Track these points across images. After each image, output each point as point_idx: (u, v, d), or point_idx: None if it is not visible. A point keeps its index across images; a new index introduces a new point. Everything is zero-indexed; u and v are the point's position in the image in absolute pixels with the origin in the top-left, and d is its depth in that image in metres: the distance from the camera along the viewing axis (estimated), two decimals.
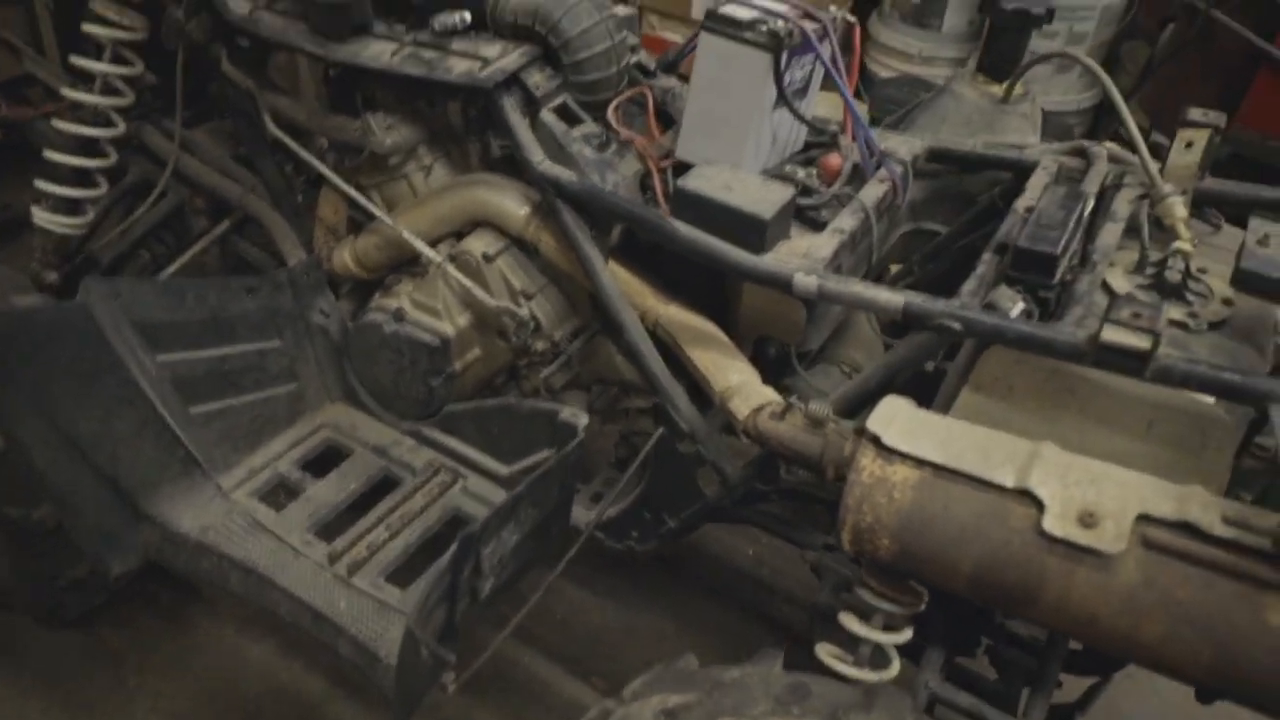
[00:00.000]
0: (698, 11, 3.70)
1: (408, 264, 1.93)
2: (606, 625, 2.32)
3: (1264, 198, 1.61)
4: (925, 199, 1.91)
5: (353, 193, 1.89)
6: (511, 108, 1.71)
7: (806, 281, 1.49)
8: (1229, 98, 2.99)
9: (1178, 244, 1.49)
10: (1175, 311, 1.43)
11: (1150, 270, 1.50)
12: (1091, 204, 1.59)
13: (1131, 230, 1.56)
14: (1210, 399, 1.30)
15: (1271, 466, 1.36)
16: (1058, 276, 1.43)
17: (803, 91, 1.75)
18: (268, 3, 1.85)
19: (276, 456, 1.91)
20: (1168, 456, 1.31)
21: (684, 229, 1.59)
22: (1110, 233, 1.55)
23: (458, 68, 1.71)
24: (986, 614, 1.54)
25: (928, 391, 1.52)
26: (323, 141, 1.91)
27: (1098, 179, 1.66)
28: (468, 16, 1.74)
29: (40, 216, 2.13)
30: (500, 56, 1.71)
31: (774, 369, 1.80)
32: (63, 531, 1.88)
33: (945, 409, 1.44)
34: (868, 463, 1.27)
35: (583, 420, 1.71)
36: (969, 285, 1.46)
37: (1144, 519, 1.13)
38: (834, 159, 1.74)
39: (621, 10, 1.84)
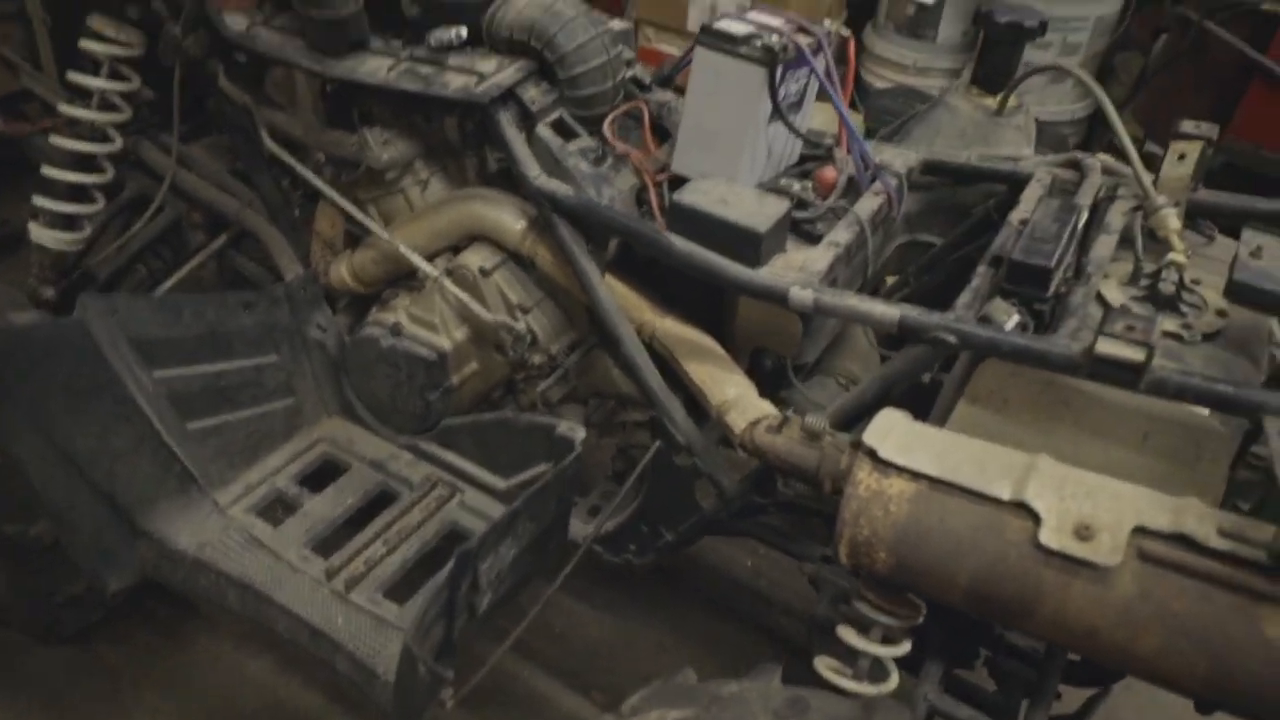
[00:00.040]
0: (693, 24, 3.72)
1: (405, 278, 1.93)
2: (605, 638, 2.32)
3: (1257, 209, 1.62)
4: (920, 211, 1.92)
5: (350, 207, 1.90)
6: (508, 122, 1.72)
7: (802, 295, 1.49)
8: (1222, 108, 3.01)
9: (1171, 256, 1.50)
10: (1169, 323, 1.44)
11: (1144, 282, 1.50)
12: (1085, 216, 1.60)
13: (1125, 242, 1.57)
14: (1205, 410, 1.31)
15: (1268, 477, 1.36)
16: (1052, 289, 1.43)
17: (798, 105, 1.76)
18: (265, 19, 1.86)
19: (274, 472, 1.91)
20: (1163, 468, 1.31)
21: (680, 243, 1.59)
22: (1104, 245, 1.55)
23: (454, 83, 1.72)
24: (985, 626, 1.54)
25: (924, 403, 1.52)
26: (320, 156, 1.91)
27: (1091, 191, 1.67)
28: (464, 32, 1.75)
29: (37, 232, 2.13)
30: (496, 72, 1.72)
31: (770, 381, 1.80)
32: (59, 548, 1.88)
33: (941, 421, 1.44)
34: (864, 476, 1.27)
35: (580, 434, 1.71)
36: (964, 298, 1.47)
37: (1140, 531, 1.13)
38: (829, 172, 1.75)
39: (617, 25, 1.86)
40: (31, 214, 2.13)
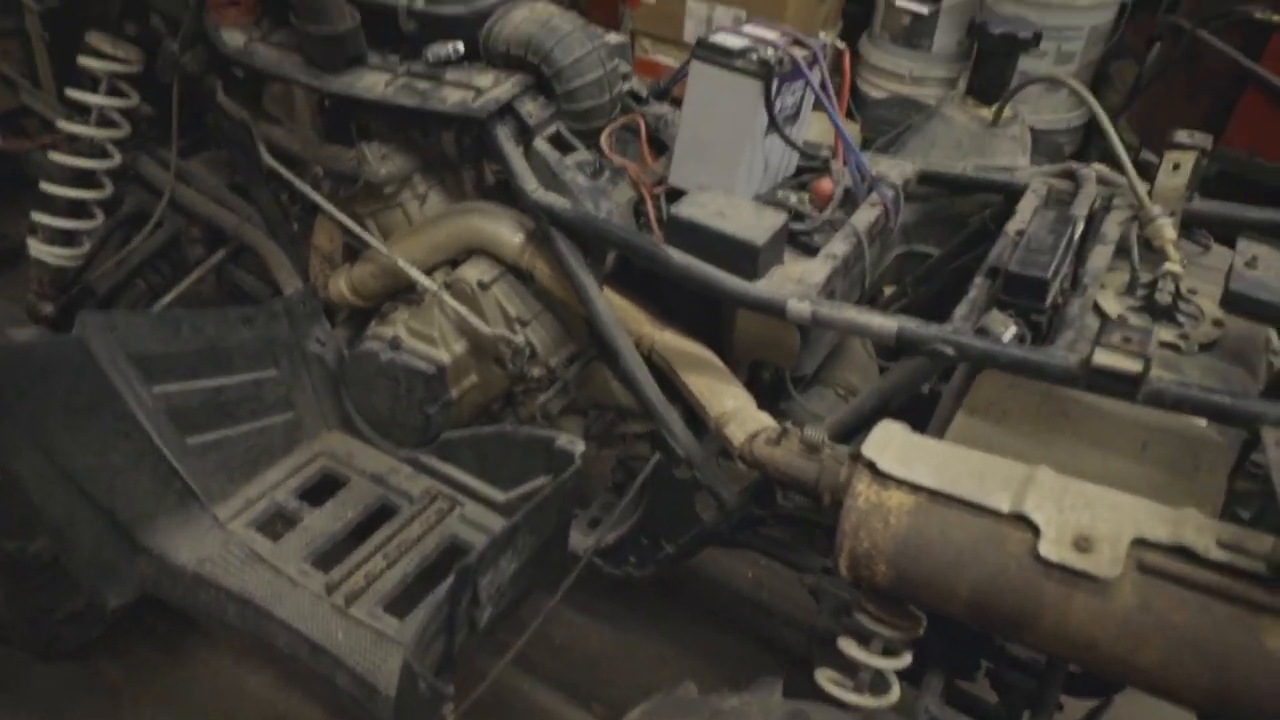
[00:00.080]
0: (689, 35, 3.73)
1: (403, 292, 1.94)
2: (605, 650, 2.31)
3: (1251, 219, 1.63)
4: (917, 222, 1.93)
5: (348, 221, 1.90)
6: (505, 137, 1.73)
7: (800, 308, 1.50)
8: (1216, 116, 3.02)
9: (1168, 266, 1.51)
10: (1166, 333, 1.44)
11: (1141, 292, 1.51)
12: (1081, 227, 1.61)
13: (1121, 252, 1.57)
14: (1203, 421, 1.31)
15: (1266, 485, 1.36)
16: (1049, 300, 1.44)
17: (794, 117, 1.77)
18: (263, 35, 1.87)
19: (273, 486, 1.91)
20: (1162, 478, 1.31)
21: (677, 256, 1.60)
22: (1100, 255, 1.56)
23: (451, 98, 1.73)
24: (986, 637, 1.54)
25: (923, 413, 1.53)
26: (318, 171, 1.92)
27: (1087, 201, 1.68)
28: (460, 47, 1.76)
29: (36, 248, 2.14)
30: (493, 86, 1.73)
31: (769, 393, 1.81)
32: (59, 564, 1.88)
33: (940, 432, 1.45)
34: (863, 488, 1.27)
35: (579, 447, 1.71)
36: (961, 309, 1.47)
37: (1139, 543, 1.13)
38: (826, 184, 1.76)
39: (613, 38, 1.86)
40: (30, 230, 2.13)
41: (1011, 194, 1.78)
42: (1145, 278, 1.51)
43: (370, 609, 1.67)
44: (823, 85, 1.73)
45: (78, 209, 2.12)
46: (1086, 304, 1.45)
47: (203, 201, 2.19)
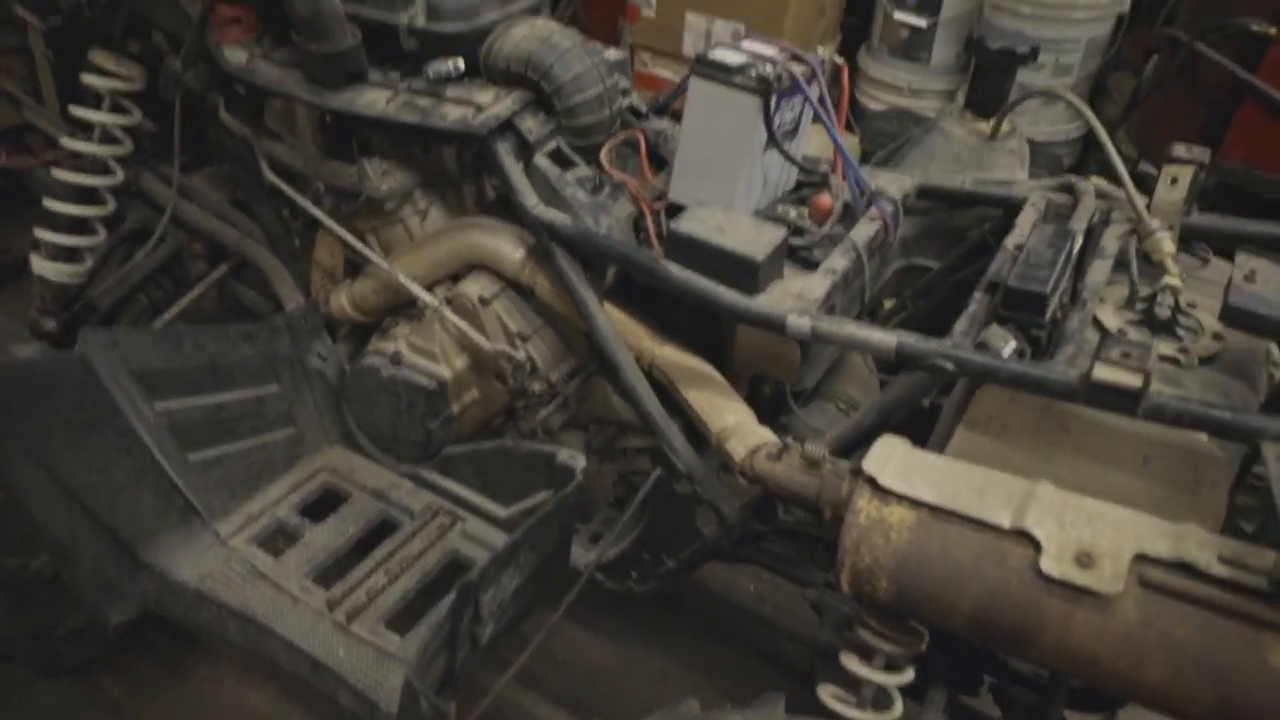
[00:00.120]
0: (689, 49, 3.75)
1: (405, 307, 1.94)
2: (607, 665, 2.31)
3: (1250, 232, 1.63)
4: (916, 236, 1.93)
5: (349, 237, 1.91)
6: (506, 153, 1.73)
7: (800, 323, 1.50)
8: (1214, 128, 3.03)
9: (1167, 279, 1.51)
10: (1166, 347, 1.44)
11: (1140, 306, 1.51)
12: (1080, 241, 1.61)
13: (1120, 266, 1.58)
14: (1204, 435, 1.31)
15: (1267, 500, 1.36)
16: (1048, 315, 1.44)
17: (793, 133, 1.78)
18: (264, 52, 1.88)
19: (275, 502, 1.91)
20: (1163, 493, 1.31)
21: (677, 271, 1.60)
22: (1099, 269, 1.56)
23: (452, 114, 1.74)
24: (989, 652, 1.53)
25: (924, 427, 1.53)
26: (319, 187, 1.93)
27: (1085, 215, 1.68)
28: (461, 64, 1.77)
29: (39, 265, 2.14)
30: (494, 103, 1.74)
31: (770, 408, 1.81)
32: (61, 581, 1.87)
33: (941, 447, 1.45)
34: (864, 504, 1.27)
35: (580, 463, 1.71)
36: (961, 324, 1.47)
37: (1141, 559, 1.13)
38: (825, 198, 1.76)
39: (613, 54, 1.87)
40: (33, 246, 2.14)
41: (1010, 208, 1.79)
42: (1144, 292, 1.52)
43: (372, 625, 1.67)
44: (821, 101, 1.73)
45: (80, 225, 2.13)
46: (1086, 318, 1.45)
47: (205, 217, 2.20)
